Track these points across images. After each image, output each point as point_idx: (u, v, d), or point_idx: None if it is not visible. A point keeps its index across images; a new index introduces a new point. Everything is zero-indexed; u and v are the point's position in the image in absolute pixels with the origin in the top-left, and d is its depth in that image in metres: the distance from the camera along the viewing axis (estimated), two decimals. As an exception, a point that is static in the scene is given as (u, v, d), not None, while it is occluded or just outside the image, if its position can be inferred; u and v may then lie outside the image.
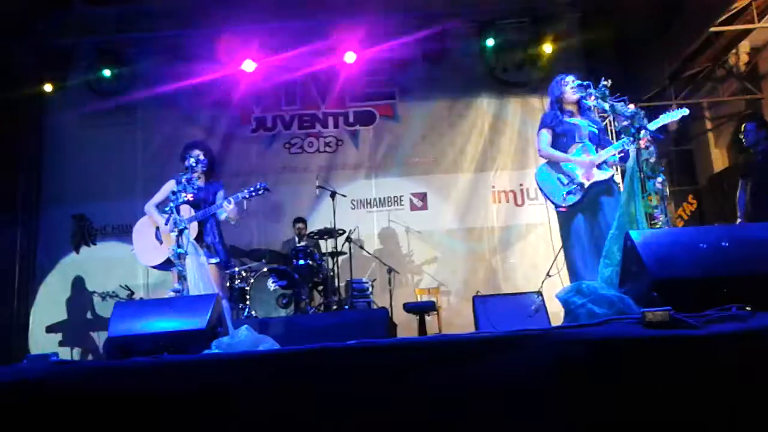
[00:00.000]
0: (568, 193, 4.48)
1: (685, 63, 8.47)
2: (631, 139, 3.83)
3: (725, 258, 2.66)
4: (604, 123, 4.82)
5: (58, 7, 8.19)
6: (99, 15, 8.30)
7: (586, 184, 4.44)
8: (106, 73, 8.28)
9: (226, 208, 4.77)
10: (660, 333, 2.07)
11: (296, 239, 7.70)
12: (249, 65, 8.18)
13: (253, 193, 4.82)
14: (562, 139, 4.66)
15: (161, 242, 4.89)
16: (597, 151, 4.54)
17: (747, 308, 2.30)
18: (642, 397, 1.96)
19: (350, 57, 8.21)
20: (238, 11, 8.11)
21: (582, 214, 4.48)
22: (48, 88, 8.25)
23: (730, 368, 1.95)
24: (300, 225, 7.77)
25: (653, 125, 4.04)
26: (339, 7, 8.34)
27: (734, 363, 1.96)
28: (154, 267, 5.10)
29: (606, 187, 4.48)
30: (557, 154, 4.62)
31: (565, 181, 4.52)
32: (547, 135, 4.71)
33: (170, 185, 4.74)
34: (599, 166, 4.49)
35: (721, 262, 2.66)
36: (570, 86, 4.59)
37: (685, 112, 4.37)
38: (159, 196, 5.05)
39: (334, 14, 8.33)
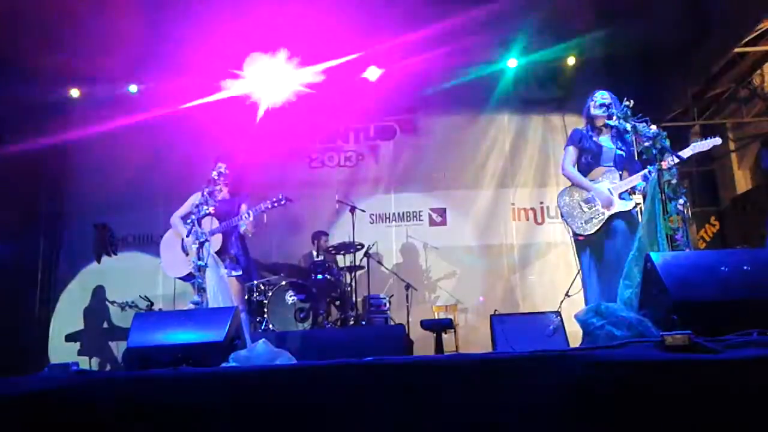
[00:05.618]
0: (587, 221, 4.43)
1: (708, 83, 8.42)
2: (654, 160, 3.80)
3: (747, 282, 2.64)
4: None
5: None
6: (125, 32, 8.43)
7: (607, 213, 4.38)
8: (132, 88, 8.41)
9: (246, 221, 4.80)
10: (679, 357, 2.05)
11: (314, 253, 7.70)
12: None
13: (275, 204, 4.86)
14: (587, 156, 4.59)
15: (187, 254, 4.94)
16: (621, 177, 4.49)
17: (768, 333, 2.27)
18: (660, 422, 1.94)
19: (373, 73, 8.25)
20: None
21: (598, 243, 4.42)
22: (75, 93, 8.34)
23: (750, 394, 1.93)
24: (323, 238, 7.77)
25: (684, 153, 4.02)
26: (362, 21, 8.41)
27: (755, 389, 1.93)
28: (179, 278, 5.16)
29: (626, 219, 4.40)
30: (579, 178, 4.56)
31: (587, 209, 4.47)
32: (572, 152, 4.66)
33: (195, 198, 4.80)
34: (621, 196, 4.42)
35: (742, 286, 2.63)
36: (593, 103, 4.56)
37: (718, 141, 4.32)
38: (184, 209, 5.11)
39: (356, 28, 8.40)
